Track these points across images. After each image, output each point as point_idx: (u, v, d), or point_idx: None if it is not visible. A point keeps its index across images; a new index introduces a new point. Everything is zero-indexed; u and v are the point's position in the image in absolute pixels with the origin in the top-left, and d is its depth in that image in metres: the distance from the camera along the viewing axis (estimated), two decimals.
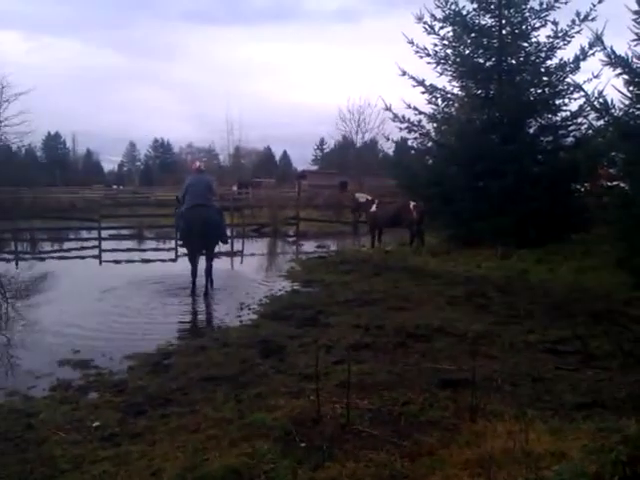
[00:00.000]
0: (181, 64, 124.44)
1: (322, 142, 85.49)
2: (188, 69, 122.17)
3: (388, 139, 19.61)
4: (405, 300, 8.43)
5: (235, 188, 50.14)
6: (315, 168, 75.06)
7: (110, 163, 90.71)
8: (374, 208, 16.01)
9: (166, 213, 22.47)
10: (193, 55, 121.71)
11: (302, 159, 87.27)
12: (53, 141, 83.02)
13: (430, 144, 16.59)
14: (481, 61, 15.39)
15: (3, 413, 4.33)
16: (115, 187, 64.25)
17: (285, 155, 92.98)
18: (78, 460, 3.47)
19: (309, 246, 18.44)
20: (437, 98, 15.75)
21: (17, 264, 14.36)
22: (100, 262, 13.89)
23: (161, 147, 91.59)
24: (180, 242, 10.72)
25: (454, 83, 15.78)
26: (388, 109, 15.77)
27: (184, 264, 11.31)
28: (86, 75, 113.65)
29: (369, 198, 16.70)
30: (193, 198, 9.82)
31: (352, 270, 11.73)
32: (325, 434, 3.71)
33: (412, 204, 15.14)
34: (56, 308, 8.75)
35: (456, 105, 15.97)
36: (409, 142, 17.68)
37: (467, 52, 15.38)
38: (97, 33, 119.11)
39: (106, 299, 9.48)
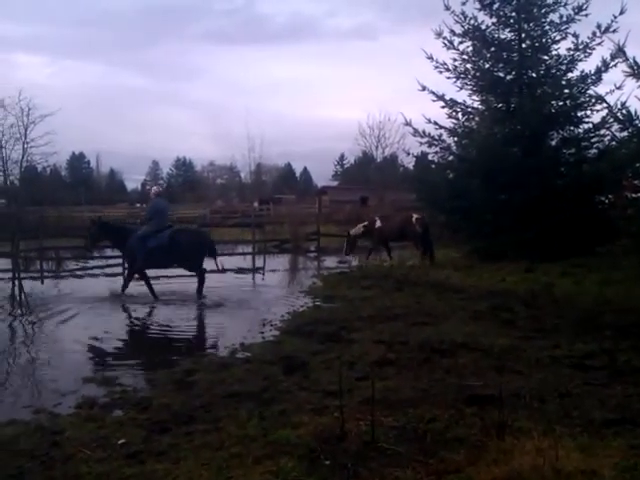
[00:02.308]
0: (202, 84, 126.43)
1: (342, 158, 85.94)
2: (209, 88, 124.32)
3: (408, 154, 19.57)
4: (428, 315, 8.35)
5: (256, 204, 50.57)
6: (335, 184, 75.27)
7: (133, 182, 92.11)
8: (379, 224, 16.05)
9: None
10: (214, 75, 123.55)
11: (322, 175, 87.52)
12: (77, 161, 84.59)
13: (451, 158, 16.56)
14: (501, 75, 15.38)
15: (29, 431, 4.35)
16: (138, 205, 65.01)
17: (305, 171, 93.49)
18: (103, 478, 3.47)
19: (330, 261, 18.43)
20: (457, 112, 15.74)
21: (42, 282, 14.58)
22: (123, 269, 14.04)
23: (183, 165, 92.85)
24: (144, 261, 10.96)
25: (474, 97, 15.81)
26: (408, 124, 15.80)
27: (208, 279, 11.39)
28: (109, 96, 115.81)
29: (365, 224, 16.74)
30: (163, 221, 11.19)
31: (374, 285, 11.67)
32: (350, 451, 3.68)
33: (414, 217, 15.27)
34: (80, 326, 8.84)
35: (477, 119, 15.95)
36: (430, 156, 17.69)
37: (487, 66, 15.39)
38: (119, 55, 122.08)
39: (129, 315, 9.56)
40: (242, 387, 5.23)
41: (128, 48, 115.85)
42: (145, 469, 3.58)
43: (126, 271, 11.56)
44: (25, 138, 29.22)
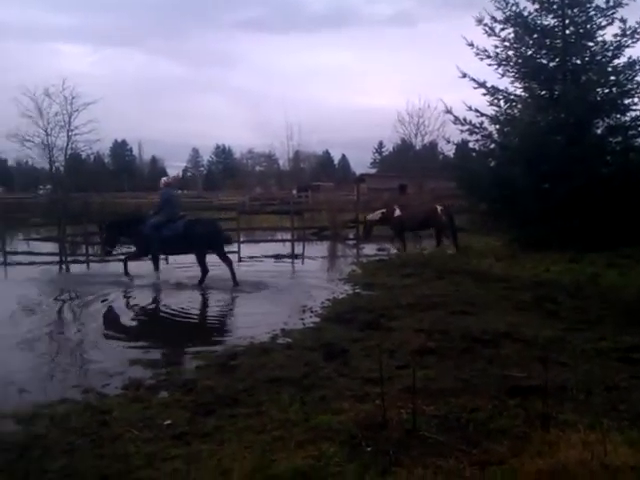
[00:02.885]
0: (242, 71, 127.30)
1: (380, 145, 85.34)
2: (249, 76, 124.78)
3: (448, 141, 19.29)
4: (469, 304, 8.26)
5: (295, 192, 50.69)
6: (374, 171, 74.86)
7: (174, 169, 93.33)
8: (398, 212, 15.96)
9: (228, 217, 22.97)
10: (253, 62, 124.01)
11: (361, 162, 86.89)
12: (120, 148, 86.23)
13: (492, 146, 16.25)
14: (544, 62, 14.97)
15: (79, 410, 4.51)
16: (179, 192, 66.05)
17: (344, 159, 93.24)
18: (150, 457, 3.57)
19: (369, 249, 18.36)
20: (499, 100, 15.42)
21: (88, 266, 14.98)
22: (167, 262, 14.30)
23: (223, 153, 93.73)
24: (159, 249, 11.52)
25: (517, 84, 15.43)
26: (449, 112, 15.54)
27: (248, 266, 11.53)
28: (150, 84, 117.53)
29: (383, 211, 16.67)
30: (175, 210, 11.56)
31: (413, 273, 11.60)
32: (391, 439, 3.69)
33: (439, 207, 15.40)
34: (124, 308, 9.07)
35: (519, 106, 15.59)
36: (470, 144, 17.37)
37: (529, 53, 14.99)
38: (160, 43, 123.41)
39: (174, 299, 9.75)
40: (283, 372, 5.29)
41: (169, 36, 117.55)
42: (190, 450, 3.67)
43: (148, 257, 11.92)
44: (69, 126, 29.93)
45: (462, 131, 15.80)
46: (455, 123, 15.61)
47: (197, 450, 3.64)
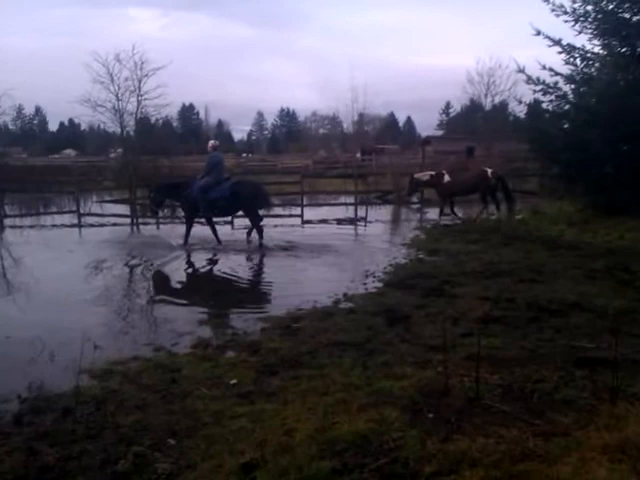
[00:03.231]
0: (307, 33, 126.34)
1: (448, 106, 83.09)
2: (314, 38, 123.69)
3: (520, 102, 18.43)
4: (537, 272, 8.03)
5: (358, 155, 50.27)
6: (440, 133, 73.09)
7: (240, 132, 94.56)
8: (447, 179, 15.59)
9: (292, 181, 23.12)
10: (319, 24, 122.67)
11: (426, 124, 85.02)
12: (188, 112, 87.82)
13: (567, 107, 15.44)
14: (626, 16, 13.96)
15: (151, 367, 4.73)
16: (244, 155, 66.90)
17: (409, 121, 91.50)
18: (218, 415, 3.71)
19: (434, 214, 18.06)
20: (575, 58, 14.57)
21: (158, 227, 15.48)
22: (232, 227, 14.61)
23: (287, 116, 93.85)
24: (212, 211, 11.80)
25: (595, 42, 14.48)
26: (521, 71, 14.86)
27: (311, 229, 11.59)
28: (217, 47, 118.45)
29: (432, 174, 16.23)
30: (221, 172, 11.92)
31: (479, 239, 11.35)
32: (453, 407, 3.68)
33: (489, 171, 15.10)
34: (192, 269, 9.36)
35: (597, 65, 14.70)
36: (544, 105, 16.59)
37: (610, 7, 14.01)
38: (228, 6, 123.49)
39: (237, 262, 9.98)
40: (345, 336, 5.35)
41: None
42: (255, 409, 3.79)
43: (185, 222, 12.25)
44: (139, 91, 30.55)
45: (535, 91, 15.10)
46: (528, 83, 14.92)
47: (261, 409, 3.76)
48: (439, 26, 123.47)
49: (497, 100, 49.12)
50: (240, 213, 12.33)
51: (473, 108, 56.08)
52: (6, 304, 7.42)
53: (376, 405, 3.73)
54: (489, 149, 40.23)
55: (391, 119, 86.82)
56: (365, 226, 16.53)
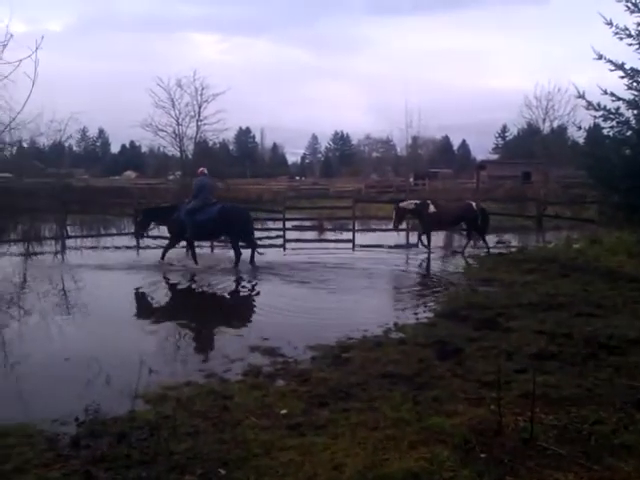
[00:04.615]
0: (363, 57, 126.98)
1: (504, 130, 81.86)
2: (369, 61, 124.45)
3: (580, 127, 18.03)
4: (596, 306, 7.76)
5: (411, 179, 50.05)
6: (495, 157, 72.00)
7: (294, 155, 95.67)
8: (432, 209, 15.28)
9: (344, 205, 23.17)
10: (374, 47, 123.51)
11: (482, 148, 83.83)
12: (244, 135, 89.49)
13: (629, 133, 15.00)
14: None
15: (203, 394, 4.81)
16: (297, 178, 67.68)
17: (464, 144, 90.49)
18: (268, 446, 3.74)
19: (488, 241, 17.77)
20: (639, 83, 14.19)
21: (212, 250, 15.79)
22: (284, 249, 14.77)
23: (341, 139, 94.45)
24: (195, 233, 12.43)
25: None
26: (581, 97, 14.54)
27: (362, 255, 11.54)
28: (274, 72, 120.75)
29: (417, 202, 15.91)
30: (209, 196, 12.50)
31: (536, 269, 11.08)
32: (507, 447, 3.60)
33: (474, 204, 15.42)
34: (241, 294, 9.50)
35: None
36: (604, 131, 16.16)
37: None
38: (285, 31, 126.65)
39: (288, 287, 10.06)
40: (396, 368, 5.32)
41: (294, 24, 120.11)
42: (304, 441, 3.80)
43: (186, 247, 13.09)
44: (199, 116, 31.50)
45: (595, 117, 14.76)
46: (588, 109, 14.57)
47: (311, 442, 3.77)
48: (495, 49, 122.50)
49: (555, 124, 48.09)
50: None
51: (530, 132, 55.04)
52: (66, 325, 7.72)
53: (427, 442, 3.69)
54: (546, 174, 39.37)
55: (445, 142, 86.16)
56: (416, 253, 16.37)
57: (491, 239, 17.75)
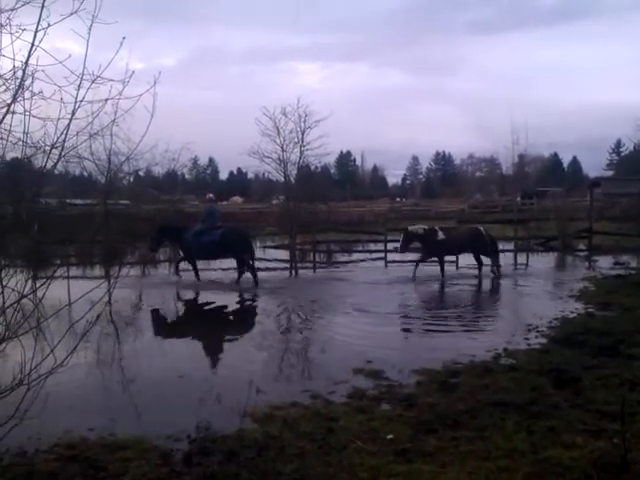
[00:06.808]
0: (463, 76, 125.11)
1: (619, 145, 77.20)
2: (469, 80, 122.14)
3: None
4: None
5: (519, 199, 48.23)
6: (610, 174, 67.90)
7: (394, 177, 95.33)
8: (442, 236, 14.35)
9: (448, 227, 22.73)
10: (475, 66, 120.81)
11: (594, 165, 79.19)
12: (345, 159, 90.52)
13: None
14: None
15: (308, 415, 4.82)
16: (398, 200, 67.33)
17: (574, 161, 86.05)
18: (374, 471, 3.68)
19: (604, 263, 16.70)
20: None
21: (314, 271, 16.01)
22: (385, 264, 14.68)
23: (442, 159, 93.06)
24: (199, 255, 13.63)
25: None
26: None
27: (467, 279, 11.20)
28: (374, 96, 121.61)
29: (426, 228, 14.81)
30: (214, 221, 13.66)
31: None
32: None
33: (482, 229, 15.02)
34: (348, 316, 9.51)
35: None
36: None
37: None
38: (384, 55, 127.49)
39: (391, 308, 9.96)
40: (507, 396, 5.08)
41: (392, 47, 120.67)
42: (412, 468, 3.71)
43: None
44: (302, 142, 32.32)
45: None
46: None
47: (419, 470, 3.67)
48: (602, 61, 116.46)
49: None
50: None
51: None
52: (182, 345, 8.11)
53: (543, 476, 3.50)
54: None
55: (554, 160, 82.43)
56: (526, 275, 15.69)
57: (608, 260, 16.73)
